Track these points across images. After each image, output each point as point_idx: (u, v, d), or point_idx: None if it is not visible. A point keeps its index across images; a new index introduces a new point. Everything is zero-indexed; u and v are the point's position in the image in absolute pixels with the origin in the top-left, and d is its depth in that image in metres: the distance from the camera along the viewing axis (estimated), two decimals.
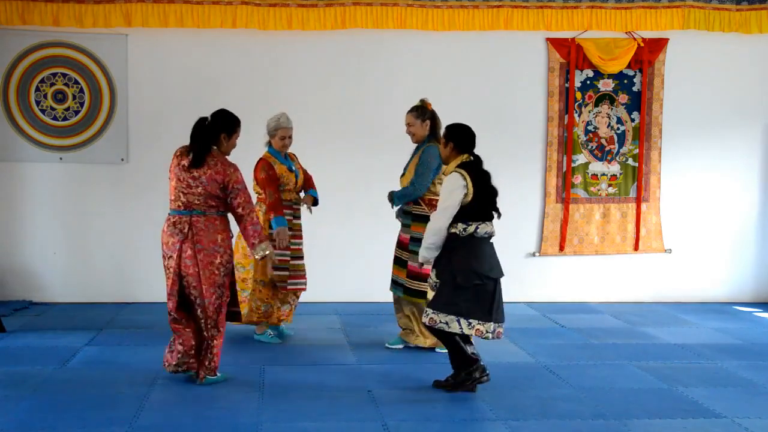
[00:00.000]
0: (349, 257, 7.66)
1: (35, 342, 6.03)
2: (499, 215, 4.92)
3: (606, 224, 8.03)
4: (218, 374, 5.00)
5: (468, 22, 7.60)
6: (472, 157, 4.91)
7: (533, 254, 7.98)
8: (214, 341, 4.92)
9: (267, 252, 4.91)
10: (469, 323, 4.75)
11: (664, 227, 8.12)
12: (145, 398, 4.70)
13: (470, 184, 4.76)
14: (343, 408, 4.61)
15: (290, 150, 6.11)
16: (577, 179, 7.98)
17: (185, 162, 4.80)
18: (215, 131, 4.85)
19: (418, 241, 5.40)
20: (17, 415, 4.40)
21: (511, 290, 7.72)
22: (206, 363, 4.94)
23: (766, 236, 8.28)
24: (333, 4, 7.41)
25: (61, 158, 7.46)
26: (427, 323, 4.83)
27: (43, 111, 7.42)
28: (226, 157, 4.93)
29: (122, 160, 7.51)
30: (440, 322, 4.76)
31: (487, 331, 4.78)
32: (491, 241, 4.92)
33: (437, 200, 5.13)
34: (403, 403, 4.74)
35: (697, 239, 8.17)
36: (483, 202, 4.81)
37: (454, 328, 4.75)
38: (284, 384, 5.07)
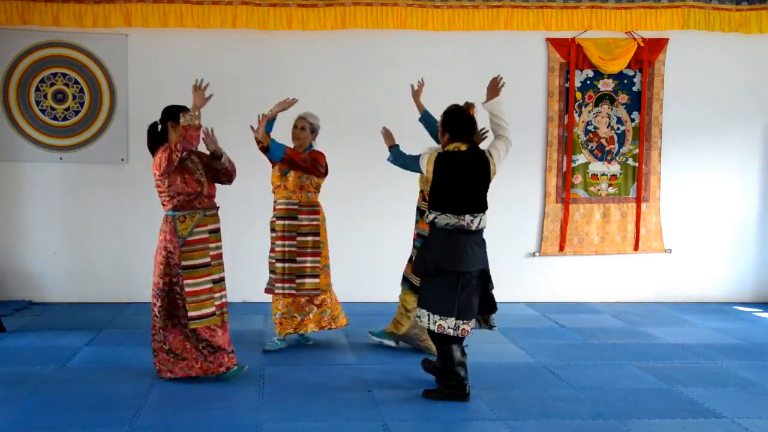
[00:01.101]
0: (350, 257, 7.64)
1: (35, 342, 6.03)
2: (479, 210, 4.72)
3: (606, 224, 8.03)
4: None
5: (468, 22, 7.60)
6: (464, 146, 4.76)
7: (533, 254, 7.98)
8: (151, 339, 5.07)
9: (188, 115, 4.88)
10: (433, 318, 4.68)
11: (664, 227, 8.12)
12: (145, 398, 4.70)
13: (429, 168, 4.73)
14: (343, 408, 4.61)
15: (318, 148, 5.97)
16: (577, 179, 7.98)
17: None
18: (163, 126, 4.97)
19: (421, 237, 5.50)
20: (17, 415, 4.40)
21: (511, 290, 7.77)
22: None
23: (766, 236, 8.28)
24: (333, 4, 7.42)
25: (61, 158, 7.46)
26: (415, 320, 4.92)
27: (43, 111, 7.42)
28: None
29: (122, 160, 7.51)
30: (417, 317, 4.80)
31: (448, 327, 4.64)
32: (475, 235, 4.72)
33: None
34: (403, 403, 4.74)
35: (697, 239, 8.17)
36: (441, 192, 4.69)
37: (423, 322, 4.73)
38: (284, 384, 5.07)
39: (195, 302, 4.86)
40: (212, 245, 4.97)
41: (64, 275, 7.52)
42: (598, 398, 4.90)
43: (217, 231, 5.03)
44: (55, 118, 7.44)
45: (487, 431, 4.35)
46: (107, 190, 7.53)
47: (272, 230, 5.85)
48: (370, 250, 7.61)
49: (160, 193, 4.93)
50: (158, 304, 4.95)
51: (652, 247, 8.10)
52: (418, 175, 5.61)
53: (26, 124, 7.40)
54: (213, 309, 4.92)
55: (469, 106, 5.63)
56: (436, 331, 4.69)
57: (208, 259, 4.92)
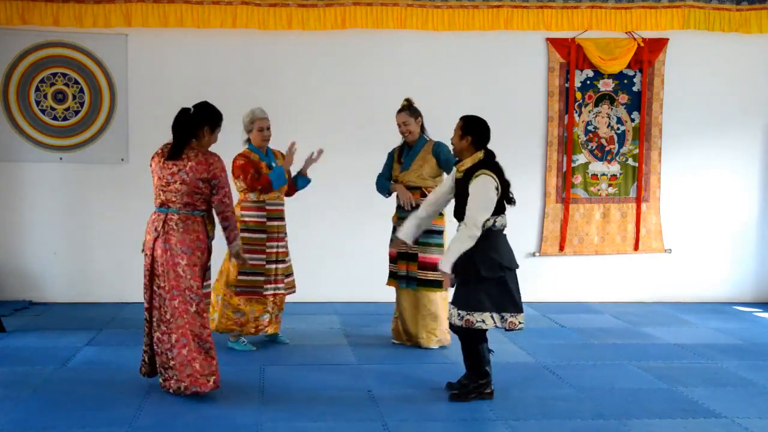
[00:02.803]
0: (350, 257, 7.66)
1: (35, 342, 6.03)
2: (514, 203, 4.91)
3: (606, 224, 8.03)
4: (197, 389, 4.66)
5: (468, 22, 7.60)
6: (487, 154, 4.82)
7: (533, 254, 7.98)
8: (175, 350, 4.62)
9: (237, 250, 4.81)
10: (502, 317, 4.69)
11: (664, 227, 8.12)
12: (145, 398, 4.70)
13: (499, 186, 4.75)
14: (343, 408, 4.61)
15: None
16: (577, 179, 7.98)
17: (165, 159, 4.70)
18: (198, 123, 4.69)
19: (430, 233, 5.60)
20: (17, 415, 4.40)
21: None
22: (166, 372, 4.70)
23: (766, 236, 8.28)
24: (333, 4, 7.42)
25: (61, 158, 7.46)
26: (463, 325, 4.67)
27: (43, 111, 7.42)
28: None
29: (122, 160, 7.51)
30: (477, 321, 4.65)
31: (519, 322, 4.73)
32: (504, 232, 4.88)
33: None
34: (403, 403, 4.73)
35: (697, 239, 8.17)
36: (503, 197, 4.81)
37: (490, 324, 4.67)
38: (284, 384, 5.07)
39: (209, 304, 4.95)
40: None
41: (64, 275, 7.52)
42: (598, 398, 4.90)
43: None
44: (55, 118, 7.45)
45: (487, 431, 4.35)
46: (107, 190, 7.54)
47: (262, 231, 5.74)
48: (371, 251, 7.60)
49: (193, 192, 4.64)
50: (193, 309, 4.68)
51: (652, 247, 8.10)
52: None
53: (26, 124, 7.40)
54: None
55: (412, 101, 5.90)
56: (506, 328, 4.70)
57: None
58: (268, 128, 5.81)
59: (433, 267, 5.49)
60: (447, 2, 7.57)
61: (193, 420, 4.37)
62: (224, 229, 4.78)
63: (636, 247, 8.06)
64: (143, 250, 4.81)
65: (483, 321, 4.66)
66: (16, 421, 4.30)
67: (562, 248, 7.97)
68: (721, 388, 5.18)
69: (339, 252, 7.69)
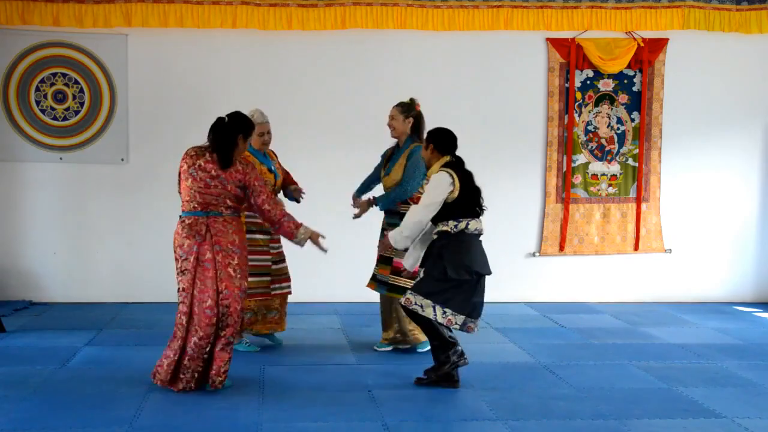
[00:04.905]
0: (349, 257, 7.64)
1: (35, 342, 6.03)
2: (482, 211, 5.03)
3: (606, 224, 8.03)
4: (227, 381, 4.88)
5: (468, 22, 7.61)
6: (453, 158, 5.03)
7: (533, 254, 7.98)
8: (229, 347, 4.82)
9: (309, 234, 4.88)
10: (444, 312, 4.85)
11: (664, 227, 8.12)
12: (145, 398, 4.70)
13: (457, 182, 4.88)
14: (343, 408, 4.61)
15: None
16: (577, 179, 7.98)
17: (201, 162, 4.72)
18: (233, 132, 4.78)
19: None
20: (17, 415, 4.40)
21: (511, 290, 7.78)
22: (219, 369, 4.80)
23: (766, 236, 8.28)
24: (333, 4, 7.42)
25: (61, 158, 7.46)
26: (402, 302, 4.95)
27: (43, 111, 7.43)
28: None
29: (122, 160, 7.51)
30: (415, 303, 4.87)
31: (456, 322, 4.87)
32: (480, 239, 5.02)
33: None
34: (403, 403, 4.73)
35: (697, 239, 8.17)
36: (469, 199, 4.94)
37: (428, 313, 4.84)
38: (284, 384, 5.07)
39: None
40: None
41: (64, 275, 7.52)
42: (598, 398, 4.90)
43: None
44: (55, 118, 7.45)
45: (487, 431, 4.35)
46: (107, 190, 7.54)
47: (264, 232, 5.74)
48: (371, 251, 7.58)
49: (233, 196, 4.74)
50: (239, 307, 4.87)
51: (652, 247, 8.10)
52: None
53: (26, 124, 7.41)
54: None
55: (416, 103, 5.79)
56: (444, 324, 4.88)
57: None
58: (268, 132, 5.80)
59: (401, 273, 5.64)
60: (447, 2, 7.57)
61: (193, 420, 4.37)
62: (279, 228, 4.85)
63: (636, 247, 8.06)
64: (182, 257, 4.75)
65: (421, 306, 4.85)
66: (16, 421, 4.30)
67: (562, 248, 7.97)
68: (721, 388, 5.18)
69: (339, 252, 7.66)
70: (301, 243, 4.93)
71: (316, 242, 4.93)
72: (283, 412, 4.51)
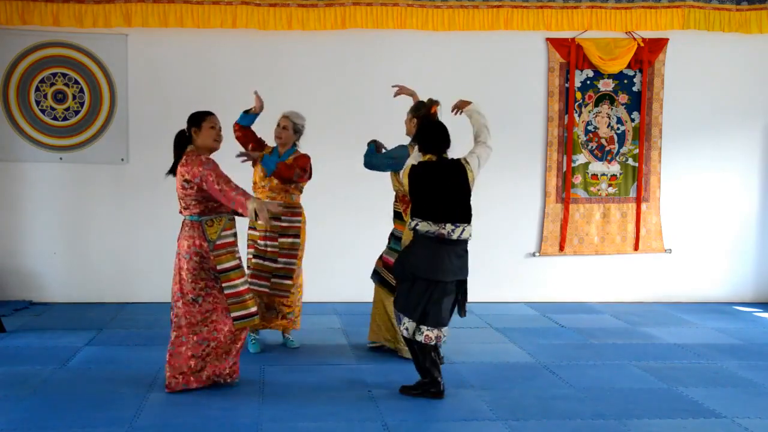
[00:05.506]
0: (349, 257, 7.65)
1: (35, 342, 6.03)
2: (437, 220, 4.65)
3: (606, 224, 8.03)
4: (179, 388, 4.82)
5: (468, 22, 7.61)
6: (438, 159, 4.78)
7: (533, 254, 7.98)
8: (176, 348, 4.78)
9: (255, 205, 4.53)
10: (403, 320, 4.80)
11: (664, 227, 8.12)
12: (145, 398, 4.70)
13: (405, 180, 4.79)
14: (343, 408, 4.62)
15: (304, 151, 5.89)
16: (577, 179, 7.98)
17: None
18: (188, 132, 4.89)
19: (396, 238, 5.62)
20: (17, 415, 4.40)
21: (511, 290, 7.79)
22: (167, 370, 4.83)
23: (766, 236, 8.28)
24: (333, 4, 7.42)
25: (61, 158, 7.46)
26: (405, 335, 4.84)
27: (43, 111, 7.42)
28: (207, 154, 4.84)
29: (122, 160, 7.51)
30: (402, 327, 4.83)
31: (411, 330, 4.76)
32: (456, 245, 4.70)
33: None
34: (403, 403, 4.74)
35: (697, 239, 8.17)
36: (426, 201, 4.67)
37: (403, 328, 4.80)
38: (284, 384, 5.07)
39: (238, 303, 4.80)
40: (236, 248, 4.90)
41: (64, 275, 7.52)
42: (598, 398, 4.90)
43: (236, 235, 4.96)
44: (55, 118, 7.44)
45: (487, 431, 4.35)
46: (107, 190, 7.54)
47: (253, 228, 5.81)
48: (371, 251, 7.58)
49: (185, 197, 4.75)
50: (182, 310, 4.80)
51: (652, 247, 8.10)
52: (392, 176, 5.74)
53: (26, 124, 7.40)
54: (255, 309, 4.88)
55: (432, 104, 5.56)
56: (403, 334, 4.83)
57: (238, 261, 4.86)
58: (281, 126, 5.90)
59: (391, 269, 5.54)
60: (447, 2, 7.57)
61: (192, 420, 4.37)
62: (234, 203, 4.58)
63: (636, 247, 8.06)
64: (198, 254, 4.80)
65: (407, 329, 4.78)
66: (16, 421, 4.31)
67: (562, 248, 7.97)
68: (721, 388, 5.19)
69: (339, 252, 7.69)
70: (255, 217, 4.58)
71: (268, 209, 4.57)
72: (283, 412, 4.51)
